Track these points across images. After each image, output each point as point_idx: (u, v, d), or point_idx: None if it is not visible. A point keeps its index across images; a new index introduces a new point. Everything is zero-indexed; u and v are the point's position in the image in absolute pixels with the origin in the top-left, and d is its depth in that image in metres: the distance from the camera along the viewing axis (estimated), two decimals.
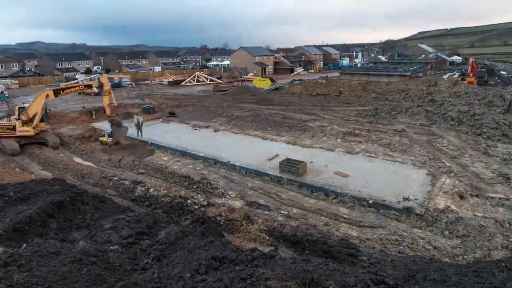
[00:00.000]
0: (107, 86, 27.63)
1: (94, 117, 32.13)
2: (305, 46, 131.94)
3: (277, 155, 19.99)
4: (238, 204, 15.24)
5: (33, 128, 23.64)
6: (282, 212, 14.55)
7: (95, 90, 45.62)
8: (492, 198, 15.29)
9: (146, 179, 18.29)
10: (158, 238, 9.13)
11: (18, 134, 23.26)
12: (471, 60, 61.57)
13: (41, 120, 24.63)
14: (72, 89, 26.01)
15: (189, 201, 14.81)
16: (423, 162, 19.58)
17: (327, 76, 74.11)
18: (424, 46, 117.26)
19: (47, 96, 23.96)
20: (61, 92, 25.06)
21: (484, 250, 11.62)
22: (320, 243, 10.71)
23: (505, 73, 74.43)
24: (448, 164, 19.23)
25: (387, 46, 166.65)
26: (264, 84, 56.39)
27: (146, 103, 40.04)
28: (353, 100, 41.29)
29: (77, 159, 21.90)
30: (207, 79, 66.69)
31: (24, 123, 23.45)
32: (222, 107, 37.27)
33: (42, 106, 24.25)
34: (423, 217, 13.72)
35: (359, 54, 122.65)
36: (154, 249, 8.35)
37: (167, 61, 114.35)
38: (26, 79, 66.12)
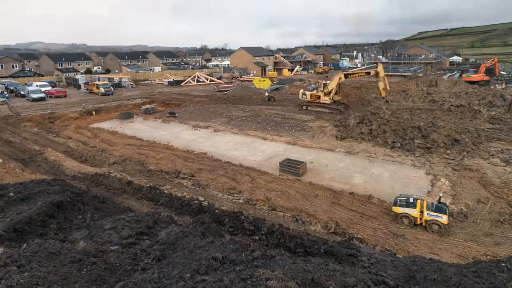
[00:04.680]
0: (382, 73, 32.06)
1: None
2: (305, 46, 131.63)
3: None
4: (240, 201, 15.25)
5: (329, 99, 33.42)
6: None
7: (102, 90, 46.65)
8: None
9: None
10: (158, 239, 9.11)
11: (321, 101, 33.82)
12: (495, 59, 62.49)
13: (336, 93, 33.85)
14: (356, 74, 33.41)
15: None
16: (423, 162, 19.58)
17: (327, 76, 73.98)
18: (424, 46, 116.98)
19: (340, 78, 33.01)
20: (349, 76, 33.38)
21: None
22: (320, 243, 10.70)
23: (505, 73, 74.39)
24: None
25: (387, 46, 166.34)
26: (264, 84, 56.32)
27: (146, 105, 39.78)
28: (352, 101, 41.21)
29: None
30: (207, 79, 66.65)
31: (325, 94, 33.56)
32: (222, 107, 37.23)
33: (336, 84, 33.11)
34: None
35: (359, 55, 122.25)
36: (154, 249, 8.34)
37: (167, 62, 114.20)
38: (26, 80, 66.07)
